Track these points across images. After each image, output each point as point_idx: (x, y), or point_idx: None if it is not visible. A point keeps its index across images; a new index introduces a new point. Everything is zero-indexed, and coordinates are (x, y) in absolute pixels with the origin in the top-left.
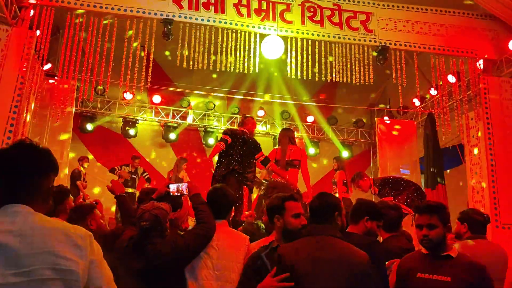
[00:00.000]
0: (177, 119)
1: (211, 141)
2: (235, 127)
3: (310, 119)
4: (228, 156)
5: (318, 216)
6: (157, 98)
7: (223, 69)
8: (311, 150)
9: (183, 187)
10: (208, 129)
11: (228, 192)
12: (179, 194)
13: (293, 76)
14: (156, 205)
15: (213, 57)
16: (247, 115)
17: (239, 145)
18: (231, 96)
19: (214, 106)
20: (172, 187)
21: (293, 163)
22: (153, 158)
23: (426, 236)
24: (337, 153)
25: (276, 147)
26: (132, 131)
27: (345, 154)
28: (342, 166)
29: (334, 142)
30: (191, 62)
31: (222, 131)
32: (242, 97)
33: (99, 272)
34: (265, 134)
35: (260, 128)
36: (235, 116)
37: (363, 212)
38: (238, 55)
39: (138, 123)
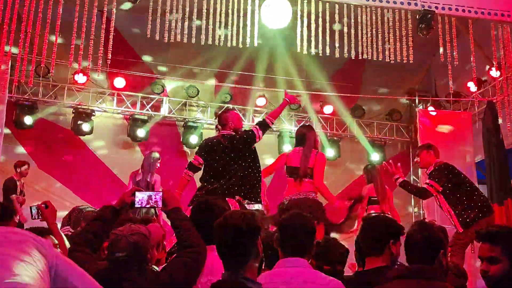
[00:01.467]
0: (147, 110)
1: (193, 139)
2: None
3: (327, 109)
4: (206, 172)
5: (420, 254)
6: (120, 82)
7: (210, 42)
8: (329, 152)
9: (157, 197)
10: (190, 124)
11: (217, 207)
12: (150, 206)
13: (304, 52)
14: (134, 229)
15: (196, 24)
16: (221, 111)
17: (222, 156)
18: (220, 84)
19: (198, 92)
20: (140, 197)
21: (309, 172)
22: (114, 162)
23: (486, 273)
24: (363, 156)
25: (287, 151)
26: (86, 126)
27: (375, 157)
28: (374, 177)
29: (361, 141)
30: (166, 34)
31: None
32: (233, 85)
33: None
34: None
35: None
36: (226, 106)
37: (385, 234)
38: (229, 23)
39: (94, 115)
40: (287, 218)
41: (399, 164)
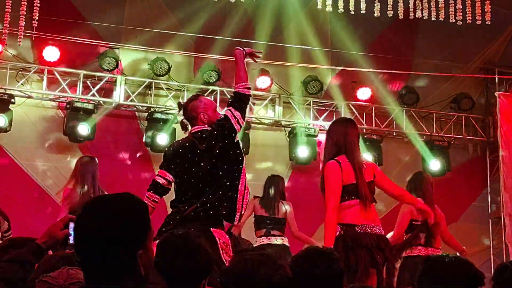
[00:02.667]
0: (93, 95)
1: (162, 139)
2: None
3: (363, 94)
4: (182, 192)
5: None
6: (52, 53)
7: None
8: (366, 158)
9: None
10: (157, 115)
11: (195, 245)
12: None
13: (328, 9)
14: (74, 276)
15: None
16: (187, 100)
17: (199, 165)
18: (201, 55)
19: (169, 68)
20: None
21: (372, 188)
22: (44, 173)
23: None
24: (417, 163)
25: (323, 158)
26: (0, 120)
27: (434, 165)
28: (419, 190)
29: (413, 141)
30: None
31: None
32: (221, 56)
33: None
34: (272, 124)
35: (260, 113)
36: (211, 88)
37: (456, 284)
38: None
39: (13, 103)
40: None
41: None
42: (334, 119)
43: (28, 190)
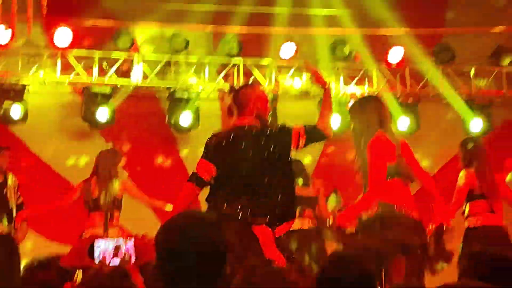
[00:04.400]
0: (110, 77)
1: (186, 118)
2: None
3: (395, 55)
4: (218, 188)
5: None
6: (64, 36)
7: None
8: (403, 123)
9: (128, 246)
10: (178, 95)
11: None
12: (120, 265)
13: None
14: None
15: None
16: (242, 85)
17: (241, 160)
18: (221, 28)
19: (187, 44)
20: (102, 248)
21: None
22: (65, 163)
23: None
24: (458, 126)
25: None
26: (15, 110)
27: (476, 125)
28: (477, 158)
29: (452, 101)
30: None
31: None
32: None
33: None
34: (300, 95)
35: (287, 83)
36: (233, 64)
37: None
38: None
39: (27, 91)
40: None
41: None
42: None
43: (51, 181)
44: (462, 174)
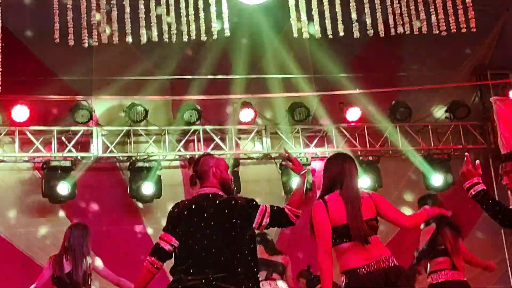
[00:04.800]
0: (69, 151)
1: (147, 188)
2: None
3: (353, 115)
4: (183, 259)
5: None
6: (21, 112)
7: (156, 39)
8: (364, 182)
9: None
10: (139, 164)
11: None
12: None
13: (305, 36)
14: None
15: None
16: (201, 155)
17: (203, 230)
18: (179, 98)
19: (146, 113)
20: None
21: (373, 224)
22: (27, 240)
23: None
24: (419, 181)
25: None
26: None
27: (436, 180)
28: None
29: (411, 157)
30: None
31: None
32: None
33: None
34: (261, 158)
35: (248, 147)
36: (193, 128)
37: None
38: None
39: None
40: None
41: (478, 161)
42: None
43: (12, 259)
44: (423, 232)
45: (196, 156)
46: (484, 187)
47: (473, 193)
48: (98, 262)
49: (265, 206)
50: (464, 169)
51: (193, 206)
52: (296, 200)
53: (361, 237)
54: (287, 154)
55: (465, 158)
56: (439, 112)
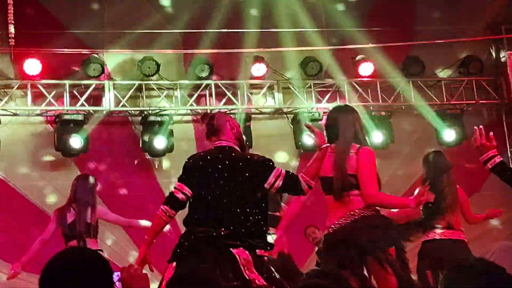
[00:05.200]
0: (82, 105)
1: (160, 142)
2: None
3: (365, 70)
4: (195, 210)
5: None
6: (33, 66)
7: None
8: (376, 137)
9: (115, 279)
10: (151, 118)
11: (206, 284)
12: None
13: None
14: None
15: None
16: (218, 112)
17: (217, 181)
18: (191, 51)
19: (158, 67)
20: None
21: (351, 181)
22: (41, 193)
23: None
24: (431, 136)
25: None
26: None
27: (448, 135)
28: (437, 171)
29: (423, 113)
30: None
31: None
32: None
33: None
34: (273, 113)
35: (260, 102)
36: (204, 82)
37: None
38: None
39: None
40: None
41: (491, 133)
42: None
43: (26, 212)
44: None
45: (209, 111)
46: (501, 159)
47: (490, 166)
48: (104, 210)
49: (281, 169)
50: (479, 143)
51: (208, 157)
52: (312, 171)
53: (338, 192)
54: (310, 127)
55: (478, 132)
56: (452, 67)
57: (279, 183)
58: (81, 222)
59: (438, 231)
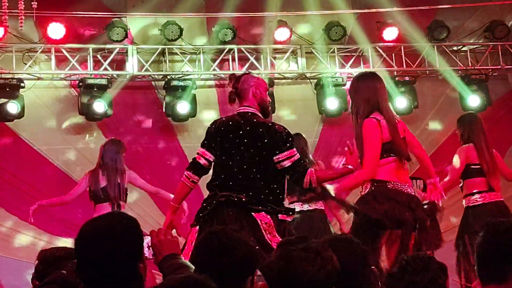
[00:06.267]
0: (104, 69)
1: (183, 107)
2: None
3: (390, 34)
4: (218, 175)
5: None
6: (57, 30)
7: None
8: (400, 102)
9: (144, 243)
10: (174, 83)
11: (233, 242)
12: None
13: None
14: None
15: None
16: (242, 73)
17: (238, 147)
18: (213, 15)
19: (181, 32)
20: None
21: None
22: (65, 157)
23: None
24: (455, 102)
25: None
26: (12, 106)
27: (473, 101)
28: (475, 132)
29: (448, 78)
30: None
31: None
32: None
33: None
34: (296, 78)
35: (283, 67)
36: (228, 47)
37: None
38: None
39: (23, 87)
40: None
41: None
42: (357, 75)
43: (51, 176)
44: (459, 150)
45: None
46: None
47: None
48: (134, 175)
49: (296, 152)
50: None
51: (230, 123)
52: (325, 177)
53: (403, 155)
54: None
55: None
56: (478, 32)
57: (286, 163)
58: (113, 186)
59: (479, 195)
